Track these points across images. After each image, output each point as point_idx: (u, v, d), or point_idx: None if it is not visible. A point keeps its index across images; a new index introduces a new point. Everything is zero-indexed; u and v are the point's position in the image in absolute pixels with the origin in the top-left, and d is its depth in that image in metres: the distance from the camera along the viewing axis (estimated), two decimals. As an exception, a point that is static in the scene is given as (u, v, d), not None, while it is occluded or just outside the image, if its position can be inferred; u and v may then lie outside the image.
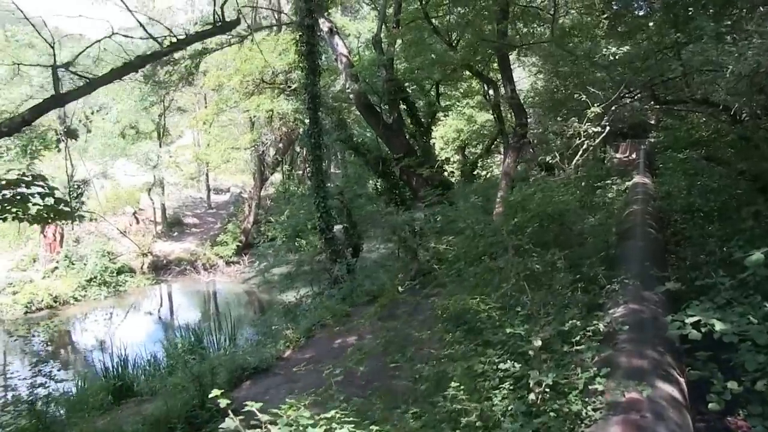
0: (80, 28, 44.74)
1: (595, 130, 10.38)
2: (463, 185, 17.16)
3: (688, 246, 8.40)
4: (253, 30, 18.18)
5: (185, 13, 30.78)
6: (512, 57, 15.89)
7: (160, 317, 21.14)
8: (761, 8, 6.78)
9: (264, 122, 23.78)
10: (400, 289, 6.98)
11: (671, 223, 10.37)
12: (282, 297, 18.20)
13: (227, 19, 7.85)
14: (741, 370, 3.55)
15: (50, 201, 4.72)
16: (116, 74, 5.77)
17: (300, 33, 13.86)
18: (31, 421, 7.36)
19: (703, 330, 3.58)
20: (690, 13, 7.29)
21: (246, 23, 17.42)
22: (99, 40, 6.53)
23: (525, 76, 19.93)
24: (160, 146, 28.40)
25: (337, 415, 2.98)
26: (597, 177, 13.14)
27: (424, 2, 14.07)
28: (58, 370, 8.17)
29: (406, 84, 17.96)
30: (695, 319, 3.66)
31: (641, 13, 11.86)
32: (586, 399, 3.70)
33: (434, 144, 20.60)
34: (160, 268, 24.51)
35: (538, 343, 3.67)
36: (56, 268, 21.41)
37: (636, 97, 13.35)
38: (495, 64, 14.85)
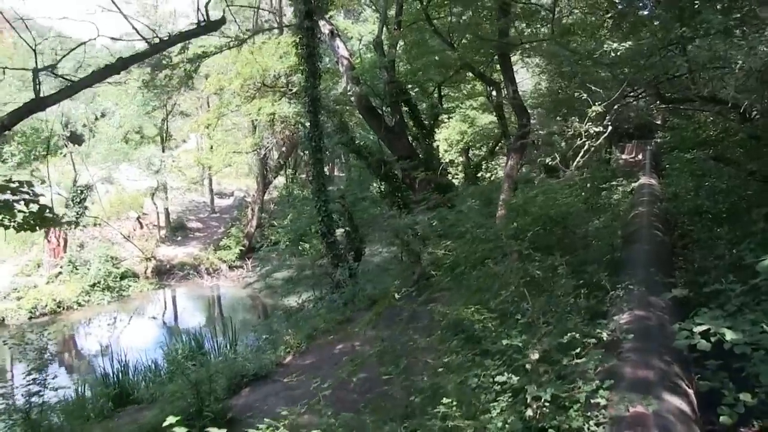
0: (88, 33, 44.98)
1: (597, 130, 10.15)
2: (466, 188, 16.97)
3: (696, 249, 8.16)
4: (254, 33, 18.07)
5: (187, 17, 30.85)
6: (515, 58, 15.72)
7: (163, 322, 21.08)
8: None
9: (266, 126, 23.69)
10: (396, 296, 6.80)
11: (678, 225, 10.14)
12: (284, 301, 18.10)
13: (225, 21, 7.71)
14: (755, 381, 3.34)
15: (35, 207, 4.60)
16: (97, 77, 5.64)
17: (299, 36, 13.77)
18: (26, 430, 7.26)
19: (712, 340, 3.39)
20: (696, 5, 6.97)
21: (237, 26, 17.35)
22: (83, 43, 6.41)
23: (528, 77, 19.75)
24: (163, 151, 28.37)
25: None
26: (602, 178, 12.94)
27: (425, 3, 13.91)
28: (53, 378, 8.01)
29: (408, 86, 17.81)
30: (704, 327, 3.47)
31: (645, 12, 11.67)
32: (588, 413, 3.50)
33: (438, 146, 20.42)
34: (163, 273, 24.44)
35: (536, 356, 3.48)
36: (60, 273, 21.38)
37: (640, 96, 13.12)
38: (498, 65, 14.68)
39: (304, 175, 29.48)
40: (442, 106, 19.95)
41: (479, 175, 20.73)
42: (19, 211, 4.57)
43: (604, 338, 4.21)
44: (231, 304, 22.91)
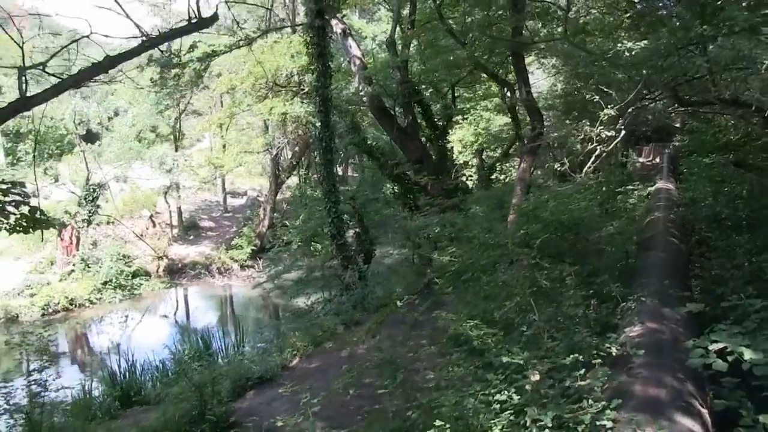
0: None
1: (609, 134, 9.83)
2: (479, 190, 16.72)
3: (714, 257, 7.85)
4: (264, 32, 18.01)
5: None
6: (531, 59, 15.43)
7: (174, 321, 21.12)
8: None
9: (277, 125, 23.65)
10: (399, 303, 6.62)
11: (696, 231, 9.81)
12: (294, 302, 18.01)
13: (217, 18, 7.57)
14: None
15: (25, 209, 4.51)
16: (85, 75, 5.55)
17: (310, 34, 13.65)
18: (26, 431, 7.21)
19: (729, 359, 3.16)
20: (719, 1, 6.57)
21: (247, 24, 17.24)
22: (76, 40, 6.33)
23: (544, 78, 19.42)
24: (176, 150, 28.48)
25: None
26: (618, 182, 12.62)
27: (438, 2, 13.69)
28: (54, 379, 7.97)
29: (422, 86, 17.61)
30: (720, 345, 3.24)
31: (665, 12, 11.34)
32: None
33: (452, 147, 20.20)
34: (175, 272, 24.55)
35: (536, 377, 3.28)
36: (73, 270, 21.56)
37: (657, 99, 12.75)
38: (512, 66, 14.43)
39: (316, 175, 29.41)
40: (456, 107, 19.72)
41: (493, 177, 20.45)
42: (11, 213, 4.47)
43: (614, 353, 3.99)
44: (242, 303, 22.91)
